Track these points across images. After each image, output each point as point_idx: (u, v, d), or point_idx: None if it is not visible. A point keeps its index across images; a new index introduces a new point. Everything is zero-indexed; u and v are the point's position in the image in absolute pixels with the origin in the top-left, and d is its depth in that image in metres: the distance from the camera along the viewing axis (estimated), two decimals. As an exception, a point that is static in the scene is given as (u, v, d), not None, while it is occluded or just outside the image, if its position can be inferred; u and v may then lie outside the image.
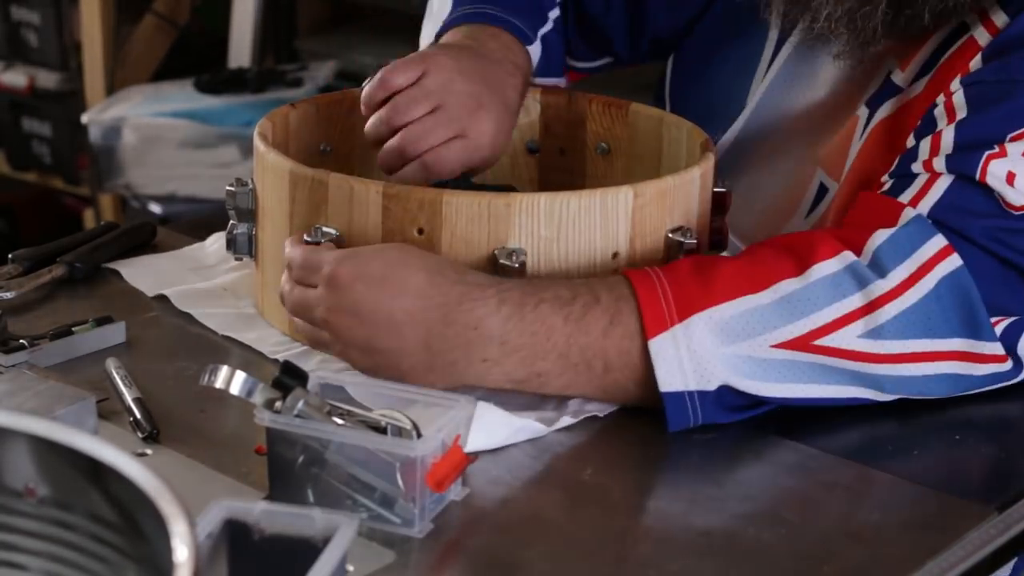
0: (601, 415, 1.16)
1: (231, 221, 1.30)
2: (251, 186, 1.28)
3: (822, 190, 1.39)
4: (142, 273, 1.38)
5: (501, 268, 1.15)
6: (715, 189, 1.30)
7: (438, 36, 1.42)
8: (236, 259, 1.32)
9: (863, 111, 1.34)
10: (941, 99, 1.23)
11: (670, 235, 1.21)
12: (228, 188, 1.29)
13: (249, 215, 1.29)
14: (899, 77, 1.32)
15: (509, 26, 1.40)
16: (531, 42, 1.42)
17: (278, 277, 1.24)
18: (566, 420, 1.13)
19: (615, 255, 1.19)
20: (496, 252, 1.15)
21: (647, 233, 1.20)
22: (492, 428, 1.09)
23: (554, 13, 1.47)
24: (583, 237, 1.17)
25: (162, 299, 1.34)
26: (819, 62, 1.39)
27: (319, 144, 1.41)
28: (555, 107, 1.45)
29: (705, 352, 1.10)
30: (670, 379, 1.10)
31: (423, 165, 1.25)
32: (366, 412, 1.02)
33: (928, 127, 1.22)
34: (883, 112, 1.32)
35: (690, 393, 1.11)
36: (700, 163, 1.25)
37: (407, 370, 1.12)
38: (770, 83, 1.41)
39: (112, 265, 1.40)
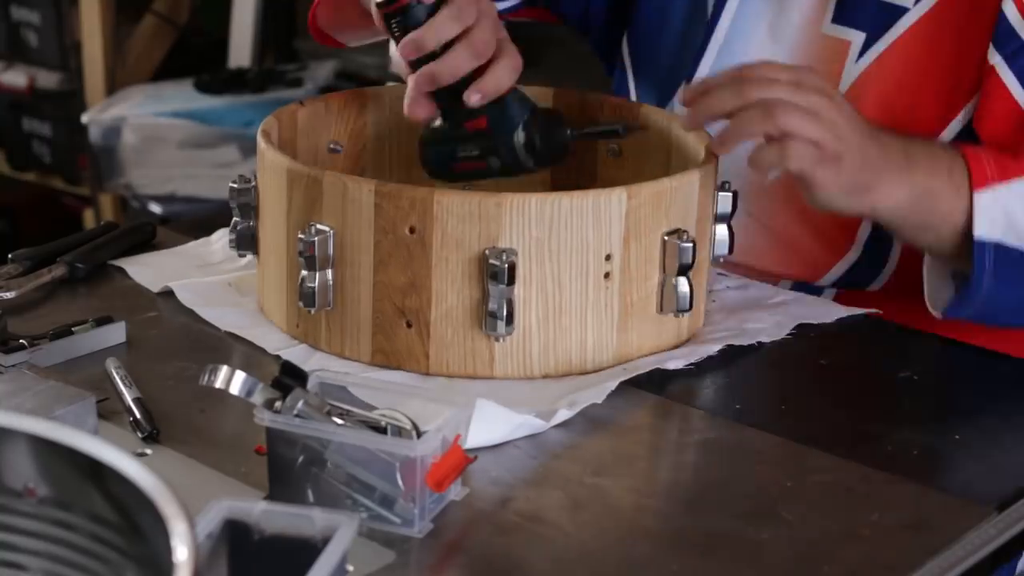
0: (599, 402, 1.16)
1: (234, 218, 1.30)
2: (253, 183, 1.28)
3: None
4: (147, 269, 1.39)
5: (490, 268, 1.15)
6: (720, 192, 1.30)
7: None
8: (240, 255, 1.32)
9: (856, 35, 1.37)
10: (1011, 4, 1.30)
11: (666, 237, 1.21)
12: (232, 185, 1.29)
13: (252, 212, 1.29)
14: None
15: None
16: None
17: (279, 273, 1.24)
18: (563, 414, 1.13)
19: (608, 257, 1.18)
20: (487, 252, 1.15)
21: (642, 235, 1.20)
22: (492, 424, 1.09)
23: None
24: (575, 237, 1.17)
25: (163, 298, 1.34)
26: None
27: (328, 143, 1.41)
28: (566, 108, 1.45)
29: (1019, 213, 1.23)
30: (986, 222, 1.24)
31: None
32: (366, 412, 1.02)
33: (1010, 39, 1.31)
34: (893, 35, 1.36)
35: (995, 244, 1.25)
36: (701, 166, 1.25)
37: (873, 158, 1.22)
38: (727, 28, 1.43)
39: (117, 262, 1.40)
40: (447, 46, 1.23)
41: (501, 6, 1.54)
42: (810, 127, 1.18)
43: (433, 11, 1.22)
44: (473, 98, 1.24)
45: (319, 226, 1.19)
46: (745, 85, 1.20)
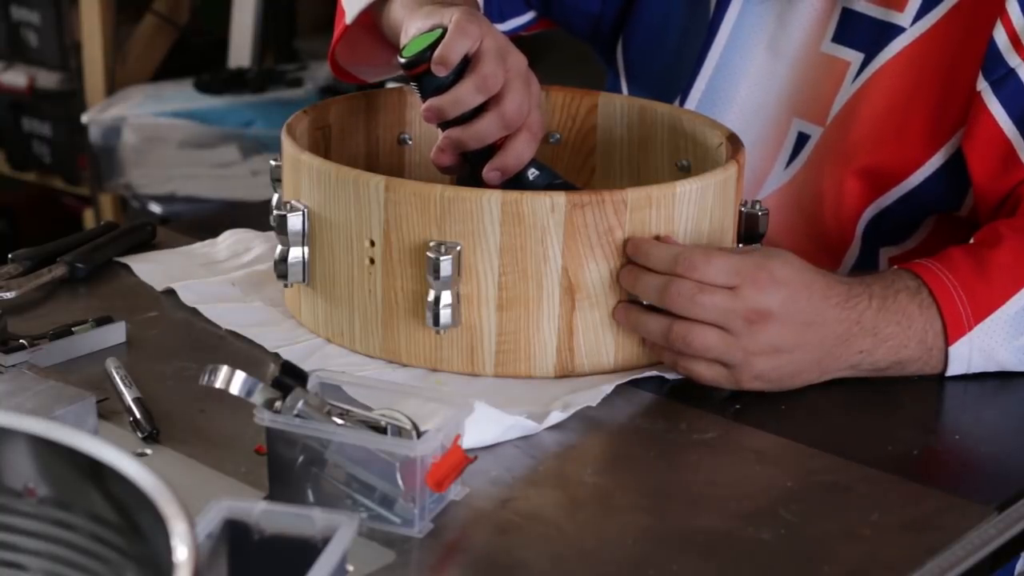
0: (593, 404, 1.16)
1: (280, 247, 1.24)
2: (303, 207, 1.23)
3: (801, 138, 1.41)
4: (152, 267, 1.39)
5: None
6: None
7: None
8: (285, 285, 1.27)
9: (855, 56, 1.36)
10: (1001, 31, 1.28)
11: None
12: (278, 213, 1.23)
13: (303, 239, 1.24)
14: (897, 17, 1.34)
15: None
16: None
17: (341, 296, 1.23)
18: (556, 416, 1.14)
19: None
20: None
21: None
22: (483, 426, 1.09)
23: None
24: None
25: (163, 297, 1.34)
26: (778, 10, 1.40)
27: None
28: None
29: (995, 347, 1.21)
30: (960, 367, 1.23)
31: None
32: (366, 412, 1.02)
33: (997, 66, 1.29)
34: (887, 55, 1.34)
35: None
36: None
37: (803, 369, 1.17)
38: (726, 41, 1.42)
39: (122, 259, 1.40)
40: (479, 109, 1.20)
41: (516, 23, 1.54)
42: (717, 348, 1.15)
43: (457, 77, 1.20)
44: (491, 175, 1.22)
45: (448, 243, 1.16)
46: (671, 289, 1.14)
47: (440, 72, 1.20)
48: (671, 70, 1.48)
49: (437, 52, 1.19)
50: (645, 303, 1.18)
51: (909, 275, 1.22)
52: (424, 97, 1.22)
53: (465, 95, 1.19)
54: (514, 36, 1.53)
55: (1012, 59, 1.28)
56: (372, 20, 1.42)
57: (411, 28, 1.24)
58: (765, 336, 1.15)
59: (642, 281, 1.17)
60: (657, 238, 1.18)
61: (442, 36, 1.20)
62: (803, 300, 1.15)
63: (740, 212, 1.28)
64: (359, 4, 1.43)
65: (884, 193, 1.36)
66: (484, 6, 1.47)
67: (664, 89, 1.47)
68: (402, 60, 1.22)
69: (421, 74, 1.21)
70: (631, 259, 1.18)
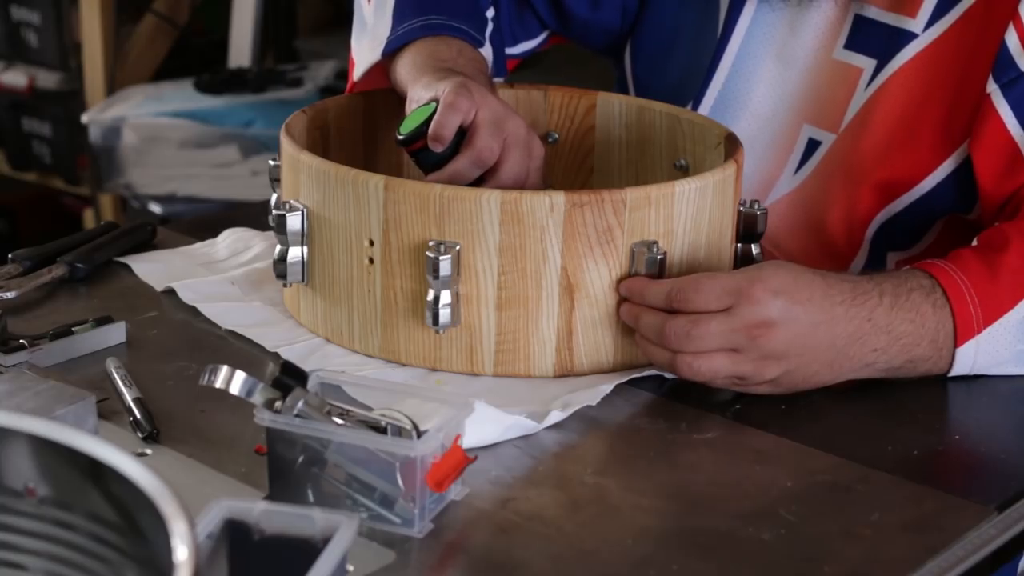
0: (593, 404, 1.16)
1: (279, 247, 1.24)
2: (302, 207, 1.23)
3: (812, 144, 1.40)
4: (152, 267, 1.39)
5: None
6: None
7: (391, 52, 1.39)
8: (284, 285, 1.28)
9: (867, 62, 1.36)
10: (1013, 35, 1.29)
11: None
12: (277, 212, 1.24)
13: (302, 238, 1.24)
14: (909, 23, 1.34)
15: (467, 37, 1.38)
16: (482, 46, 1.41)
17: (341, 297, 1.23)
18: (556, 415, 1.14)
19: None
20: None
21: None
22: (483, 426, 1.09)
23: (490, 12, 1.47)
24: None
25: (163, 297, 1.34)
26: (790, 17, 1.40)
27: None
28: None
29: (999, 351, 1.22)
30: (963, 368, 1.23)
31: None
32: (366, 412, 1.02)
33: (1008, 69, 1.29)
34: (899, 61, 1.34)
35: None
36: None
37: (816, 371, 1.17)
38: (738, 48, 1.42)
39: (122, 259, 1.40)
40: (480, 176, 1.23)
41: (528, 47, 1.55)
42: (726, 368, 1.15)
43: (456, 148, 1.22)
44: None
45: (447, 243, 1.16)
46: (667, 331, 1.15)
47: (436, 148, 1.23)
48: (681, 79, 1.48)
49: (431, 129, 1.22)
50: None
51: (923, 274, 1.22)
52: (423, 169, 1.25)
53: (462, 169, 1.23)
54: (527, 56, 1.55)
55: (1023, 63, 1.28)
56: (383, 67, 1.43)
57: (412, 100, 1.28)
58: (771, 344, 1.15)
59: (641, 322, 1.18)
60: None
61: (436, 110, 1.22)
62: (804, 303, 1.15)
63: (739, 211, 1.28)
64: (366, 62, 1.43)
65: (895, 199, 1.36)
66: (496, 32, 1.47)
67: (675, 97, 1.46)
68: (400, 137, 1.25)
69: (415, 151, 1.24)
70: (626, 299, 1.19)
